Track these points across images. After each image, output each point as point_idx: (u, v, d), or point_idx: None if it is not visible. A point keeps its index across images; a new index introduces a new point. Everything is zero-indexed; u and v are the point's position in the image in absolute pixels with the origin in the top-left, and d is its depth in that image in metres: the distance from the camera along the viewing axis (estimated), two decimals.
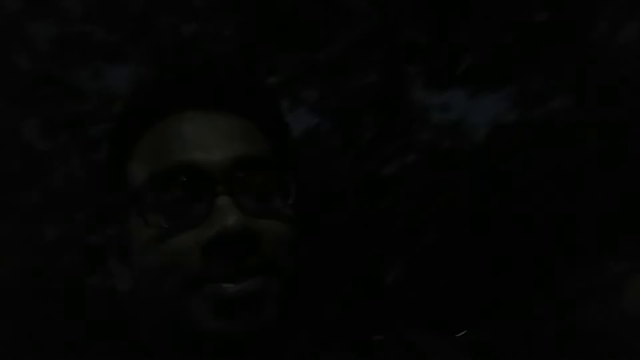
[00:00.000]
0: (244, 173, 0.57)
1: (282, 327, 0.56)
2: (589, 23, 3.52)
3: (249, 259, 0.54)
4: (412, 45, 3.60)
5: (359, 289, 2.89)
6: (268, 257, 0.56)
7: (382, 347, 0.63)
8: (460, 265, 3.28)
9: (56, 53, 2.61)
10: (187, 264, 0.54)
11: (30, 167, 2.52)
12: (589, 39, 3.60)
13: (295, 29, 3.16)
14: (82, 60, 2.72)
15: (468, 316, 2.74)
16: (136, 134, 0.62)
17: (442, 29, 3.69)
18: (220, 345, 0.54)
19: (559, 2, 3.54)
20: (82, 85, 2.71)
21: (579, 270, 2.88)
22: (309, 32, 3.18)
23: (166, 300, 0.55)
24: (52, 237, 2.34)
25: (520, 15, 3.61)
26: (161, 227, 0.55)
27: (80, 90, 2.69)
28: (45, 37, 2.60)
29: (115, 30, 2.79)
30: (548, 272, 3.00)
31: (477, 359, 0.67)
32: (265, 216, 0.57)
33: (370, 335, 0.66)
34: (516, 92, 4.10)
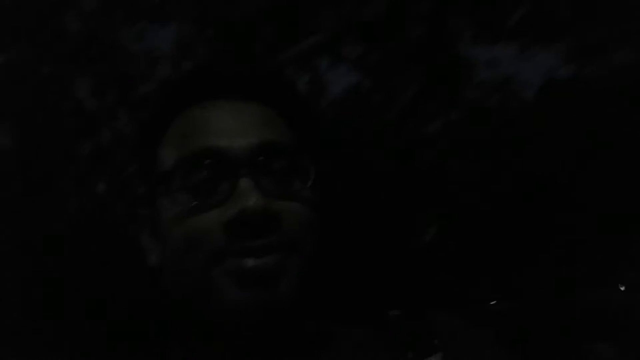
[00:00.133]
0: (265, 157, 0.61)
1: (300, 301, 0.60)
2: None
3: (269, 236, 0.58)
4: None
5: (393, 251, 2.92)
6: (287, 235, 0.59)
7: (399, 323, 0.66)
8: (500, 229, 3.23)
9: (103, 14, 2.70)
10: (210, 239, 0.58)
11: (81, 125, 2.67)
12: None
13: None
14: (128, 21, 2.80)
15: (498, 282, 2.73)
16: (165, 122, 0.66)
17: None
18: (241, 317, 0.58)
19: None
20: (128, 45, 2.80)
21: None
22: None
23: (191, 273, 0.59)
24: (102, 190, 2.49)
25: None
26: (188, 206, 0.59)
27: (126, 51, 2.78)
28: None
29: None
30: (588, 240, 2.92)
31: (498, 340, 0.69)
32: (285, 198, 0.60)
33: (388, 310, 0.69)
34: (571, 46, 3.88)
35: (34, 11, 2.76)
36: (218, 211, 0.59)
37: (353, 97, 3.38)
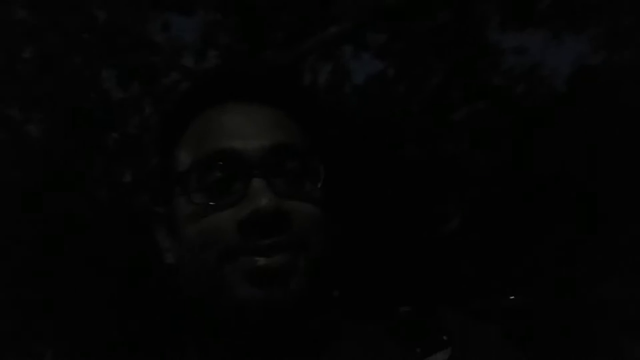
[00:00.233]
0: (278, 159, 0.63)
1: (309, 299, 0.62)
2: None
3: (280, 236, 0.60)
4: None
5: (412, 242, 2.92)
6: (297, 235, 0.61)
7: (408, 319, 0.68)
8: (524, 221, 3.18)
9: (129, 4, 2.74)
10: (224, 237, 0.61)
11: (108, 114, 2.73)
12: None
13: None
14: (154, 12, 2.84)
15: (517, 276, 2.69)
16: (182, 124, 0.68)
17: None
18: (252, 313, 0.60)
19: None
20: (154, 36, 2.84)
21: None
22: None
23: (205, 270, 0.62)
24: (128, 178, 2.55)
25: None
26: (203, 205, 0.62)
27: (152, 42, 2.82)
28: None
29: None
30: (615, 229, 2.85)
31: (507, 337, 0.71)
32: (296, 198, 0.63)
33: (398, 306, 0.71)
34: (602, 32, 3.76)
35: (62, 2, 2.82)
36: (232, 211, 0.61)
37: (377, 86, 3.37)
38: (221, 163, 0.63)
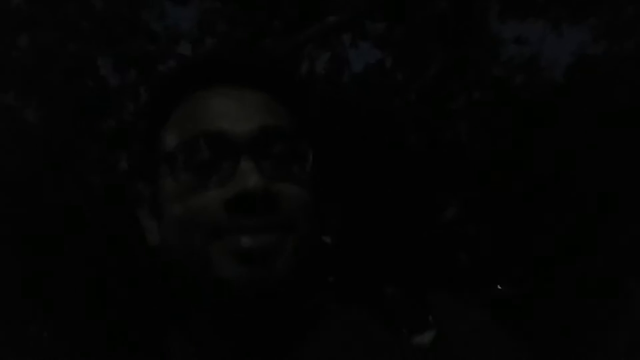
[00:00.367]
0: (266, 141, 0.63)
1: (296, 280, 0.62)
2: None
3: (267, 216, 0.60)
4: None
5: (409, 230, 2.91)
6: (284, 216, 0.61)
7: (393, 300, 0.68)
8: (521, 212, 3.17)
9: None
10: (211, 217, 0.61)
11: (104, 101, 2.73)
12: None
13: None
14: (150, 0, 2.83)
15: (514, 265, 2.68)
16: (170, 106, 0.68)
17: None
18: (238, 292, 0.60)
19: None
20: (150, 24, 2.84)
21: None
22: None
23: (190, 249, 0.62)
24: (124, 165, 2.55)
25: None
26: (190, 184, 0.62)
27: (148, 30, 2.82)
28: None
29: None
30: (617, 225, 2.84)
31: (497, 324, 0.71)
32: (284, 180, 0.63)
33: (386, 289, 0.70)
34: (604, 23, 3.74)
35: None
36: (219, 190, 0.61)
37: (375, 75, 3.36)
38: (209, 143, 0.62)
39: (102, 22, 2.82)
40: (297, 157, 0.65)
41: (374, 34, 3.28)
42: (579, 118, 3.51)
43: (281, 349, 0.64)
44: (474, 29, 3.42)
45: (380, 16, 3.26)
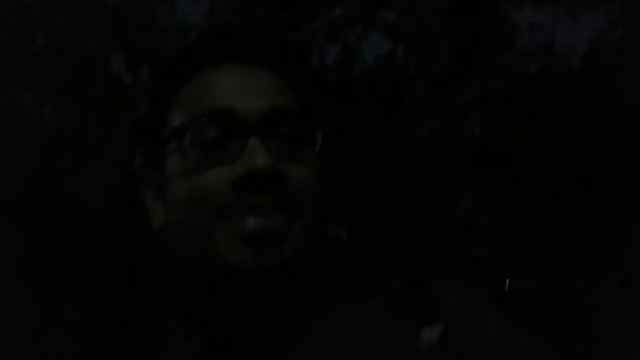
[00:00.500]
0: (275, 121, 0.62)
1: (302, 266, 0.61)
2: None
3: (275, 196, 0.59)
4: None
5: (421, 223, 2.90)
6: (292, 196, 0.60)
7: (400, 292, 0.65)
8: (538, 205, 3.14)
9: None
10: (217, 196, 0.60)
11: (118, 99, 2.76)
12: None
13: None
14: None
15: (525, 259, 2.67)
16: (177, 84, 0.68)
17: None
18: (244, 274, 0.58)
19: None
20: (160, 20, 2.85)
21: None
22: None
23: (196, 229, 0.60)
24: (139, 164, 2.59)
25: None
26: (197, 163, 0.61)
27: (158, 25, 2.84)
28: None
29: None
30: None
31: (506, 317, 0.68)
32: (292, 161, 0.62)
33: (390, 279, 0.68)
34: (619, 8, 3.65)
35: None
36: (226, 168, 0.60)
37: (386, 65, 3.34)
38: (217, 121, 0.61)
39: (113, 18, 2.85)
40: (306, 139, 0.64)
41: (384, 24, 3.26)
42: (597, 106, 3.46)
43: (284, 336, 0.61)
44: (486, 16, 3.38)
45: (391, 4, 3.23)
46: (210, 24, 3.00)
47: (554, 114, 3.53)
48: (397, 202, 3.04)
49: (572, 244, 2.92)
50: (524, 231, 3.09)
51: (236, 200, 0.59)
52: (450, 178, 3.29)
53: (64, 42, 2.83)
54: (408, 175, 3.05)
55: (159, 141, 0.66)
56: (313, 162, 0.64)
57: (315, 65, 3.14)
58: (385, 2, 3.24)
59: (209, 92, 0.64)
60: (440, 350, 0.62)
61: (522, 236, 3.11)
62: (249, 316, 0.62)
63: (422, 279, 0.69)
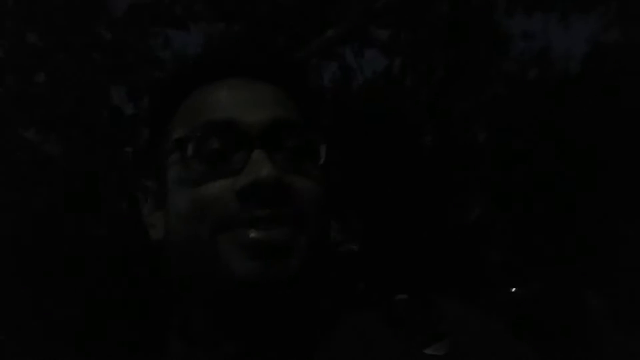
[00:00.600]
0: (278, 133, 0.61)
1: (306, 279, 0.59)
2: None
3: (279, 208, 0.58)
4: None
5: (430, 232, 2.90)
6: (296, 209, 0.59)
7: (405, 308, 0.65)
8: (547, 207, 3.11)
9: (130, 22, 2.81)
10: (220, 207, 0.58)
11: (120, 130, 2.81)
12: None
13: None
14: (154, 29, 2.91)
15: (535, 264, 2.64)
16: (179, 98, 0.67)
17: None
18: (248, 288, 0.57)
19: None
20: (156, 52, 2.91)
21: None
22: None
23: (198, 242, 0.59)
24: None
25: None
26: (199, 174, 0.60)
27: (155, 58, 2.89)
28: (119, 8, 2.82)
29: None
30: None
31: (509, 329, 0.67)
32: (297, 174, 0.61)
33: (394, 294, 0.67)
34: (614, 11, 3.65)
35: (69, 24, 2.91)
36: (230, 180, 0.59)
37: (385, 79, 3.36)
38: (220, 133, 0.61)
39: (111, 53, 2.91)
40: (310, 152, 0.63)
41: (379, 41, 3.29)
42: (597, 108, 3.44)
43: (288, 351, 0.61)
44: (479, 26, 3.40)
45: (384, 22, 3.26)
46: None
47: (556, 117, 3.53)
48: (408, 212, 3.04)
49: (578, 249, 2.90)
50: (534, 235, 3.07)
51: (240, 212, 0.58)
52: (458, 185, 3.29)
53: (64, 79, 2.89)
54: (416, 184, 3.05)
55: (160, 152, 0.66)
56: (317, 175, 0.63)
57: (314, 84, 3.17)
58: (379, 19, 3.28)
59: (210, 104, 0.63)
60: None
61: (533, 240, 3.09)
62: (253, 332, 0.61)
63: (427, 294, 0.69)
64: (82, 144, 2.82)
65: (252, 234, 0.57)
